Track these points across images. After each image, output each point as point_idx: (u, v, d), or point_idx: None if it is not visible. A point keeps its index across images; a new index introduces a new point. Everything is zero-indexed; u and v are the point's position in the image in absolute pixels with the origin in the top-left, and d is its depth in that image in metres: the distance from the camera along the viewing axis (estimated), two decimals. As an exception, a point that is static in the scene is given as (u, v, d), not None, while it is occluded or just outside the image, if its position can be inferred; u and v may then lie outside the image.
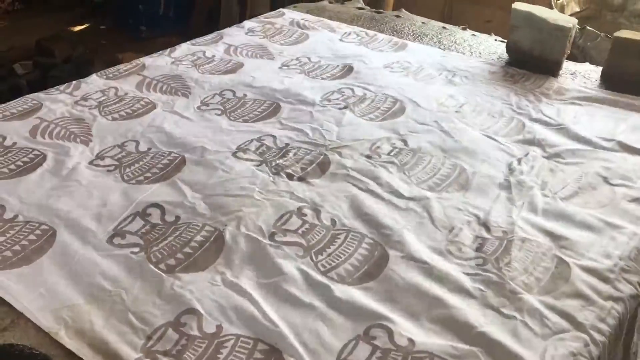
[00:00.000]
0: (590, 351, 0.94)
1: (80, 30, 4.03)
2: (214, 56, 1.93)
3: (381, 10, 2.43)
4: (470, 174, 1.35)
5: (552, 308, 1.01)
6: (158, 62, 1.87)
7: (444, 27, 2.25)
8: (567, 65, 1.92)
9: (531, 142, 1.50)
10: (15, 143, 1.44)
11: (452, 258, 1.11)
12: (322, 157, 1.37)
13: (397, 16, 2.37)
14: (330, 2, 2.52)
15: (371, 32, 2.18)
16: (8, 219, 1.18)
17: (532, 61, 1.87)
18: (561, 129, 1.55)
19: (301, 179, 1.29)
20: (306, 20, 2.26)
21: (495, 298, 1.02)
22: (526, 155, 1.43)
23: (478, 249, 1.14)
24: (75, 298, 1.00)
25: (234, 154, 1.38)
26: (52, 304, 0.99)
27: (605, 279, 1.08)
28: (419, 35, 2.17)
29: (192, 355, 0.89)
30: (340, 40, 2.12)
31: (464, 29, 2.24)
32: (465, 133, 1.50)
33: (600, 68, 1.88)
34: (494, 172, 1.37)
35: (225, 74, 1.81)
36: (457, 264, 1.10)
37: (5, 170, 1.34)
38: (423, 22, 2.31)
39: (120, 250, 1.11)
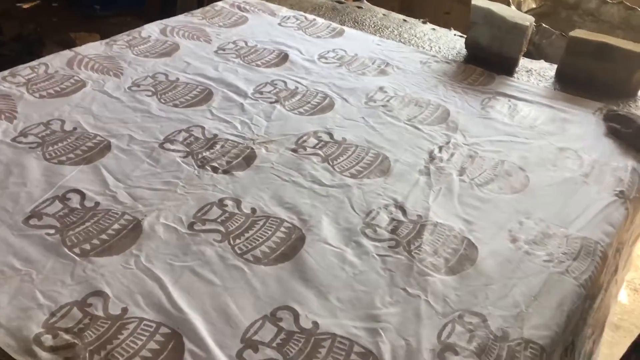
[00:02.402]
0: (487, 326, 0.99)
1: (30, 7, 3.91)
2: (149, 36, 1.92)
3: (343, 1, 2.44)
4: (392, 161, 1.39)
5: (456, 288, 1.06)
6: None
7: (404, 20, 2.27)
8: (523, 63, 1.97)
9: (454, 130, 1.55)
10: (-64, 119, 1.41)
11: (367, 240, 1.15)
12: (248, 150, 1.39)
13: (359, 7, 2.38)
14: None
15: (310, 17, 2.19)
16: None
17: (490, 58, 1.91)
18: (484, 120, 1.61)
19: (225, 172, 1.30)
20: (247, 3, 2.26)
21: (403, 278, 1.07)
22: (447, 143, 1.48)
23: (392, 231, 1.18)
24: (-16, 276, 1.00)
25: (161, 145, 1.38)
26: (-41, 281, 0.98)
27: (509, 261, 1.14)
28: (379, 28, 2.19)
29: (92, 334, 0.90)
30: (279, 24, 2.12)
31: (424, 22, 2.27)
32: (390, 126, 1.53)
33: (555, 66, 1.93)
34: (415, 159, 1.41)
35: (160, 57, 1.80)
36: (372, 245, 1.14)
37: None
38: (384, 14, 2.33)
39: (35, 230, 1.10)
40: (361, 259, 1.11)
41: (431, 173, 1.36)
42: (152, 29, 1.96)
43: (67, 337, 0.90)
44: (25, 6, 3.88)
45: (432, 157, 1.42)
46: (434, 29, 2.22)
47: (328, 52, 1.94)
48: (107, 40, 1.87)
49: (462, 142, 1.50)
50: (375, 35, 2.12)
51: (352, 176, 1.33)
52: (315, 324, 0.97)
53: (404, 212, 1.24)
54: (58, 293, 0.97)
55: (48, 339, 0.89)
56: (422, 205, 1.26)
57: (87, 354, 0.88)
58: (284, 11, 2.23)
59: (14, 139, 1.36)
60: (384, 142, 1.47)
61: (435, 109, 1.64)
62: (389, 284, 1.05)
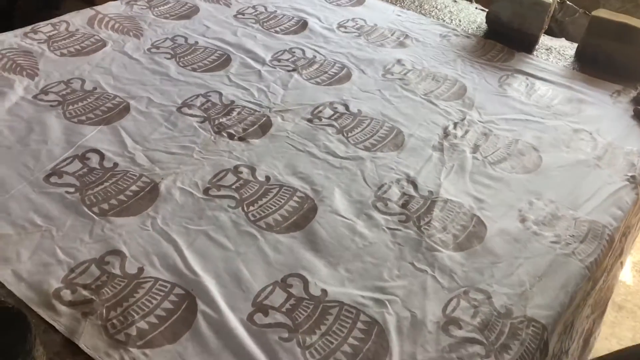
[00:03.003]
0: (492, 303, 1.02)
1: (49, -40, 3.88)
2: (170, -4, 1.91)
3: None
4: (406, 136, 1.40)
5: (463, 264, 1.08)
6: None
7: (427, -10, 2.25)
8: (544, 40, 1.95)
9: (470, 106, 1.55)
10: (-41, 73, 1.43)
11: (378, 213, 1.17)
12: (264, 118, 1.40)
13: None
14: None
15: (331, -16, 2.18)
16: (-55, 151, 1.20)
17: (510, 33, 1.89)
18: (500, 97, 1.60)
19: (241, 139, 1.32)
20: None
21: (411, 253, 1.09)
22: (463, 119, 1.49)
23: (403, 206, 1.20)
24: (6, 229, 1.03)
25: (179, 109, 1.40)
26: (-18, 232, 1.02)
27: (517, 240, 1.15)
28: (400, -2, 2.17)
29: (109, 291, 0.94)
30: (300, -9, 2.11)
31: None
32: (406, 100, 1.54)
33: (576, 45, 1.92)
34: (430, 134, 1.42)
35: (180, 19, 1.81)
36: (382, 218, 1.16)
37: (-54, 100, 1.34)
38: None
39: (55, 188, 1.13)
40: (371, 231, 1.13)
41: (444, 149, 1.38)
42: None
43: (85, 292, 0.94)
44: (45, -41, 3.85)
45: (446, 133, 1.43)
46: (455, 1, 2.20)
47: (347, 21, 1.93)
48: (128, -1, 1.87)
49: (477, 120, 1.50)
50: (395, 5, 2.11)
51: (366, 149, 1.35)
52: (324, 291, 1.00)
53: (416, 187, 1.25)
54: (77, 250, 1.01)
55: (67, 294, 0.93)
56: (433, 182, 1.27)
57: (104, 310, 0.91)
58: (305, -25, 2.21)
59: (35, 96, 1.38)
60: (399, 116, 1.48)
61: (452, 84, 1.64)
62: (397, 258, 1.08)
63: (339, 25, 1.89)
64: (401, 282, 1.03)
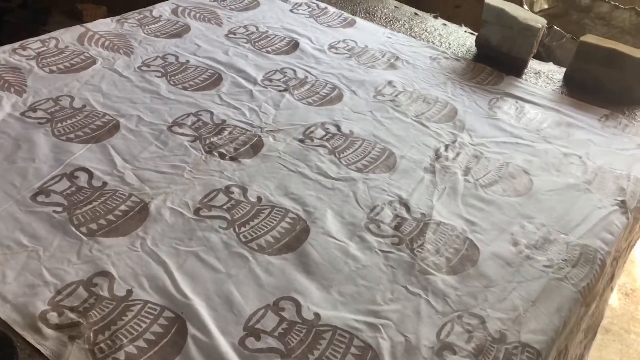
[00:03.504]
0: (486, 327, 1.01)
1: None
2: (160, 16, 1.91)
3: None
4: (398, 157, 1.40)
5: (456, 288, 1.08)
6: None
7: (416, 14, 2.26)
8: (532, 64, 1.97)
9: (461, 128, 1.55)
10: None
11: (371, 235, 1.16)
12: (256, 138, 1.39)
13: None
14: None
15: (322, 5, 2.19)
16: None
17: (499, 57, 1.91)
18: (490, 120, 1.61)
19: (233, 159, 1.31)
20: (260, -12, 2.25)
21: (404, 276, 1.08)
22: (454, 142, 1.49)
23: (396, 228, 1.19)
24: (-9, 250, 1.01)
25: (170, 128, 1.38)
26: (-33, 255, 0.99)
27: (510, 264, 1.15)
28: (390, 20, 2.18)
29: (97, 314, 0.92)
30: (291, 11, 2.12)
31: (435, 17, 2.26)
32: (398, 122, 1.54)
33: (564, 69, 1.94)
34: (421, 156, 1.42)
35: (171, 38, 1.80)
36: (375, 241, 1.15)
37: None
38: (396, 6, 2.31)
39: (42, 207, 1.11)
40: (364, 253, 1.12)
41: (436, 171, 1.37)
42: (163, 9, 1.95)
43: (72, 315, 0.91)
44: (33, -27, 3.84)
45: (437, 155, 1.43)
46: (444, 24, 2.22)
47: (339, 42, 1.94)
48: (118, 17, 1.86)
49: (468, 142, 1.50)
50: (386, 27, 2.12)
51: (358, 170, 1.34)
52: (317, 315, 0.98)
53: (408, 209, 1.25)
54: (64, 271, 0.99)
55: (53, 317, 0.90)
56: (426, 204, 1.27)
57: (92, 334, 0.89)
58: (297, -3, 2.22)
59: (22, 113, 1.36)
60: (391, 137, 1.47)
61: (442, 106, 1.65)
62: (390, 281, 1.07)
63: (330, 46, 1.90)
64: (395, 306, 1.02)
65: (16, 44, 1.62)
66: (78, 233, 1.06)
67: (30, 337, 0.87)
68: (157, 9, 1.95)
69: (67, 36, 1.70)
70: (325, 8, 2.18)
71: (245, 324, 0.95)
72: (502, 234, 1.22)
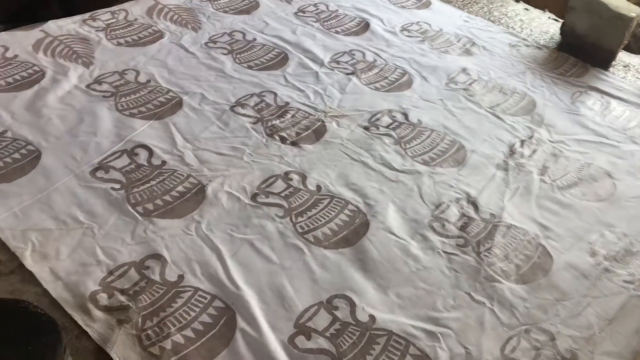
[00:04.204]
0: (555, 345, 0.93)
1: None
2: (231, -10, 1.87)
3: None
4: (468, 151, 1.31)
5: (525, 299, 0.99)
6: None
7: (496, -3, 2.14)
8: (621, 57, 1.82)
9: (539, 123, 1.44)
10: (16, 55, 1.43)
11: (434, 235, 1.09)
12: (319, 123, 1.34)
13: None
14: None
15: (397, -16, 2.09)
16: (-3, 135, 1.18)
17: (585, 47, 1.77)
18: (572, 115, 1.49)
19: (294, 144, 1.26)
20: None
21: (469, 282, 1.01)
22: (530, 137, 1.39)
23: (462, 228, 1.11)
24: (48, 223, 1.00)
25: (232, 108, 1.34)
26: (23, 224, 0.99)
27: (586, 276, 1.05)
28: (469, 2, 2.06)
29: (147, 298, 0.90)
30: (364, -10, 2.03)
31: (517, 0, 2.13)
32: (470, 112, 1.45)
33: None
34: (494, 151, 1.33)
35: (239, 14, 1.76)
36: (439, 241, 1.08)
37: (2, 82, 1.33)
38: None
39: (101, 184, 1.10)
40: (426, 254, 1.05)
41: (509, 169, 1.28)
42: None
43: (122, 298, 0.89)
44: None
45: (512, 151, 1.33)
46: (527, 9, 2.07)
47: (412, 24, 1.84)
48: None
49: (547, 138, 1.39)
50: (463, 10, 2.00)
51: (425, 163, 1.26)
52: (372, 317, 0.93)
53: (476, 208, 1.16)
54: (117, 251, 0.97)
55: (103, 298, 0.89)
56: (496, 204, 1.18)
57: (140, 319, 0.87)
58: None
59: (88, 86, 1.36)
60: (462, 129, 1.39)
61: (520, 98, 1.54)
62: (453, 286, 1.00)
63: (403, 29, 1.81)
64: (456, 314, 0.95)
65: (86, 15, 1.62)
66: (134, 212, 1.05)
67: (79, 318, 0.86)
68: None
69: (136, 8, 1.69)
70: (400, -13, 2.08)
71: (296, 320, 0.91)
72: (578, 242, 1.12)
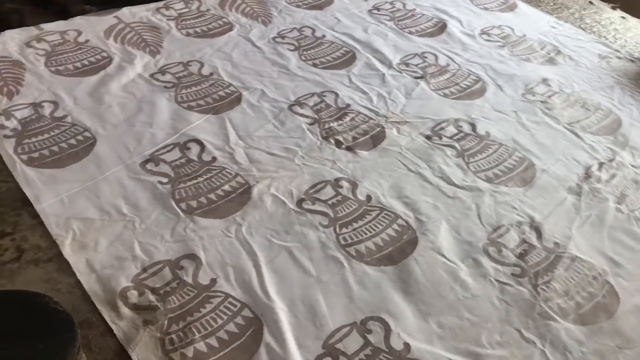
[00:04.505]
0: (611, 401, 0.83)
1: None
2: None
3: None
4: (538, 171, 1.21)
5: (582, 343, 0.90)
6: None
7: (590, 2, 1.98)
8: None
9: (623, 145, 1.31)
10: (88, 40, 1.45)
11: (488, 260, 1.01)
12: (378, 129, 1.27)
13: None
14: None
15: (483, -15, 1.98)
16: (57, 117, 1.20)
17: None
18: (663, 139, 1.35)
19: (349, 149, 1.21)
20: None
21: (520, 317, 0.92)
22: (611, 160, 1.26)
23: (520, 256, 1.02)
24: (92, 212, 1.01)
25: (290, 107, 1.31)
26: (68, 212, 1.00)
27: (657, 324, 0.94)
28: (559, 7, 1.92)
29: (176, 300, 0.88)
30: (446, -12, 1.94)
31: (613, 7, 1.96)
32: (546, 128, 1.33)
33: None
34: (567, 173, 1.22)
35: (311, 9, 1.72)
36: (492, 267, 1.00)
37: (70, 67, 1.35)
38: None
39: (149, 176, 1.09)
40: (476, 281, 0.97)
41: (583, 194, 1.17)
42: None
43: (152, 297, 0.88)
44: None
45: (587, 175, 1.22)
46: (623, 18, 1.91)
47: (492, 27, 1.74)
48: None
49: (630, 163, 1.26)
50: (552, 15, 1.87)
51: (488, 180, 1.18)
52: (407, 346, 0.86)
53: (540, 235, 1.07)
54: (155, 248, 0.96)
55: (134, 295, 0.88)
56: (562, 232, 1.08)
57: (167, 321, 0.85)
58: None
59: (152, 75, 1.36)
60: (534, 146, 1.28)
61: (604, 115, 1.41)
62: (501, 320, 0.91)
63: (482, 32, 1.70)
64: (501, 352, 0.87)
65: (160, 3, 1.63)
66: (177, 209, 1.03)
67: (106, 314, 0.85)
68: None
69: (210, -2, 1.69)
70: (486, -13, 1.97)
71: (325, 340, 0.86)
72: (653, 283, 1.01)
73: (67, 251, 0.93)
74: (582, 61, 1.61)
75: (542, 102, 1.42)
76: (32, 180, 1.05)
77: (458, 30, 1.69)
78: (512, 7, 1.87)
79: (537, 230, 1.08)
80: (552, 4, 1.93)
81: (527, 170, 1.21)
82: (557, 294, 0.96)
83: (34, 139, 1.14)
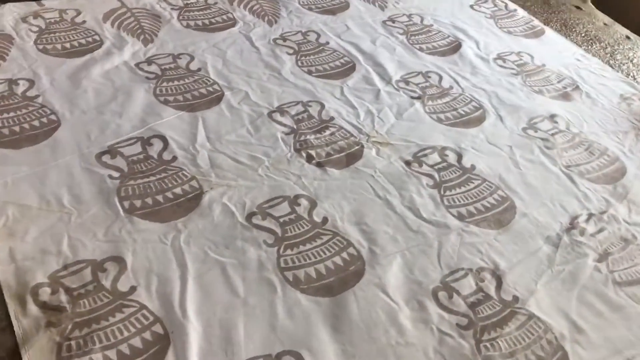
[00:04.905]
0: None
1: None
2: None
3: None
4: (518, 214, 1.12)
5: (515, 414, 0.81)
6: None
7: (627, 37, 1.85)
8: None
9: (620, 198, 1.20)
10: (84, 22, 1.44)
11: (435, 305, 0.93)
12: (357, 147, 1.20)
13: (578, 7, 1.99)
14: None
15: (512, 6, 1.88)
16: (29, 97, 1.19)
17: None
18: (668, 196, 1.23)
19: (319, 165, 1.14)
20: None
21: (452, 374, 0.84)
22: (603, 212, 1.16)
23: (472, 305, 0.94)
24: (31, 199, 0.98)
25: (270, 114, 1.25)
26: (7, 196, 0.98)
27: (609, 404, 0.85)
28: (590, 39, 1.79)
29: (87, 304, 0.83)
30: (471, 6, 1.85)
31: None
32: (540, 168, 1.24)
33: None
34: (550, 220, 1.12)
35: (323, 14, 1.66)
36: (437, 314, 0.92)
37: (59, 46, 1.34)
38: (605, 24, 1.91)
39: (101, 169, 1.06)
40: (415, 327, 0.90)
41: (561, 245, 1.07)
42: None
43: (63, 298, 0.84)
44: None
45: (572, 225, 1.12)
46: (661, 57, 1.77)
47: (511, 53, 1.64)
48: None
49: (623, 218, 1.16)
50: (580, 47, 1.75)
51: (459, 217, 1.09)
52: (319, 388, 0.80)
53: (499, 285, 0.98)
54: (83, 245, 0.92)
55: (45, 293, 0.84)
56: (526, 285, 0.99)
57: (71, 326, 0.81)
58: (484, -9, 1.93)
59: (137, 64, 1.33)
60: (521, 186, 1.19)
61: (609, 162, 1.30)
62: (430, 375, 0.84)
63: (498, 57, 1.61)
64: (420, 411, 0.80)
65: (169, -10, 1.61)
66: (119, 206, 0.99)
67: (11, 309, 0.82)
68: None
69: (220, -9, 1.65)
70: (515, 11, 1.87)
71: (232, 369, 0.80)
72: (614, 356, 0.91)
73: (-6, 236, 0.90)
74: (600, 100, 1.50)
75: (542, 139, 1.32)
76: (-17, 159, 1.03)
77: (472, 52, 1.60)
78: (538, 34, 1.76)
79: (499, 280, 0.99)
80: (583, 35, 1.81)
81: (505, 212, 1.12)
82: (501, 354, 0.88)
83: (-2, 116, 1.12)
